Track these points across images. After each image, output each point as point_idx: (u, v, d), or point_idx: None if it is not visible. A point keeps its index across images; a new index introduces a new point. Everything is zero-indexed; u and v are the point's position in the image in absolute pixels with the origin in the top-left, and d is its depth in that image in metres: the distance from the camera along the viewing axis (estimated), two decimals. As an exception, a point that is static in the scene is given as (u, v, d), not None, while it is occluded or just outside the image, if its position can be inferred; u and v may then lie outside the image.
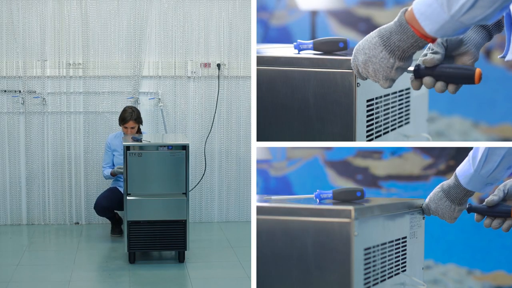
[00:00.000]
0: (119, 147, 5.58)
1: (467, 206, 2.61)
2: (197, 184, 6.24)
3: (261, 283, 2.46)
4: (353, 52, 2.06)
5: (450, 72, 2.02)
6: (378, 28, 1.99)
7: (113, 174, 5.67)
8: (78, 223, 6.19)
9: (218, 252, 5.53)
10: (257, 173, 4.84)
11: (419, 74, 2.05)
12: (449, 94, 2.12)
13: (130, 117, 5.57)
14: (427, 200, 2.71)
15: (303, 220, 2.40)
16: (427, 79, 2.04)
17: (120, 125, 5.64)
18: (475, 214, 2.61)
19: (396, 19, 1.93)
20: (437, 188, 2.64)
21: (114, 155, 5.70)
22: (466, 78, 2.00)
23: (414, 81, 2.06)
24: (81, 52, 6.04)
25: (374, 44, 1.97)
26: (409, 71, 2.05)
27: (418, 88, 2.07)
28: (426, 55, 2.05)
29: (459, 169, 2.51)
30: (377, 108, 2.56)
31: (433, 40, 1.90)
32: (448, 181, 2.58)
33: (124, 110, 5.64)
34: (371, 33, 2.01)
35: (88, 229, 6.05)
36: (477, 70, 1.99)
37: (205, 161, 6.24)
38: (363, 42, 2.02)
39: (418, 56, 2.09)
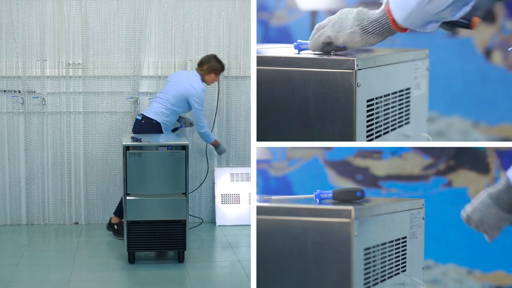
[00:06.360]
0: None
1: None
2: (199, 186, 6.23)
3: (261, 283, 2.46)
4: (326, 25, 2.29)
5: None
6: (358, 12, 2.15)
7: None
8: (77, 223, 6.19)
9: (218, 252, 5.53)
10: (257, 173, 4.84)
11: None
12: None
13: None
14: (469, 209, 2.29)
15: (303, 220, 2.39)
16: None
17: (219, 72, 5.69)
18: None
19: (380, 9, 2.10)
20: (482, 195, 2.28)
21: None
22: (462, 24, 2.07)
23: None
24: (81, 52, 6.03)
25: (353, 32, 2.20)
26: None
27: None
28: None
29: (511, 172, 2.21)
30: (377, 108, 2.56)
31: (403, 30, 2.03)
32: (496, 186, 2.25)
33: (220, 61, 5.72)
34: (348, 14, 2.21)
35: (88, 229, 6.05)
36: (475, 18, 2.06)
37: (207, 162, 6.23)
38: (338, 21, 2.27)
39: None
